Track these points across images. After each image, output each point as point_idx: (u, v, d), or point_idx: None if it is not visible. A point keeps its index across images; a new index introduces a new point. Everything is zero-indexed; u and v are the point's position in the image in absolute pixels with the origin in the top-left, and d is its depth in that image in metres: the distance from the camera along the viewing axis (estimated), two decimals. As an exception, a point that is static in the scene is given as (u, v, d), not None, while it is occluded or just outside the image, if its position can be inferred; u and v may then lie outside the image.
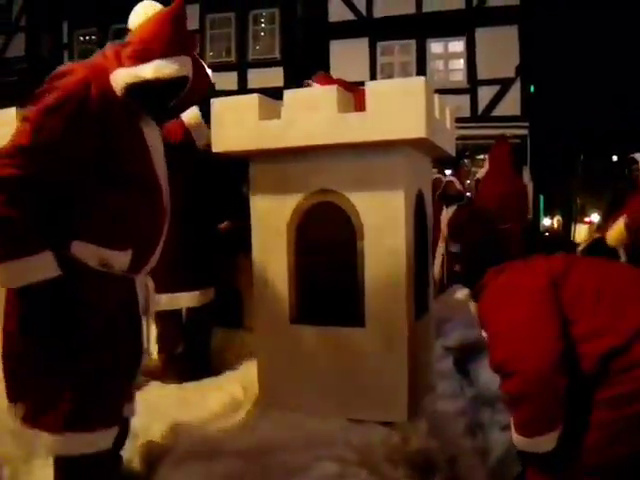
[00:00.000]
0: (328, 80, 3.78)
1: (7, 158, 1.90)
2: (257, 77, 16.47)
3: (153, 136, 2.26)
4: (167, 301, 3.26)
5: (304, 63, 16.41)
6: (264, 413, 2.90)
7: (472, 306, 2.66)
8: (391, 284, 2.80)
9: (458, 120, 3.27)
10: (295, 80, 16.10)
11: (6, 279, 1.96)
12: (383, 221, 2.79)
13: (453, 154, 3.41)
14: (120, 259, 2.11)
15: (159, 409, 3.07)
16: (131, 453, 2.76)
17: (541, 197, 16.03)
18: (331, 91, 2.78)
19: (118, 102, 2.07)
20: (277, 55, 17.12)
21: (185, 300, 3.39)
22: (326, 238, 2.92)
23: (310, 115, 2.76)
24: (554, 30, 15.59)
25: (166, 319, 3.35)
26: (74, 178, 1.99)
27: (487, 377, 3.43)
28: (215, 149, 2.99)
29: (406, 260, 2.80)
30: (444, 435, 2.96)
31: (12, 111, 3.55)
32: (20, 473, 2.77)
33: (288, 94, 2.86)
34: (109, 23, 18.78)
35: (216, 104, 2.98)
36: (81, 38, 19.68)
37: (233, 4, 16.75)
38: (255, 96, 2.90)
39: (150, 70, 2.08)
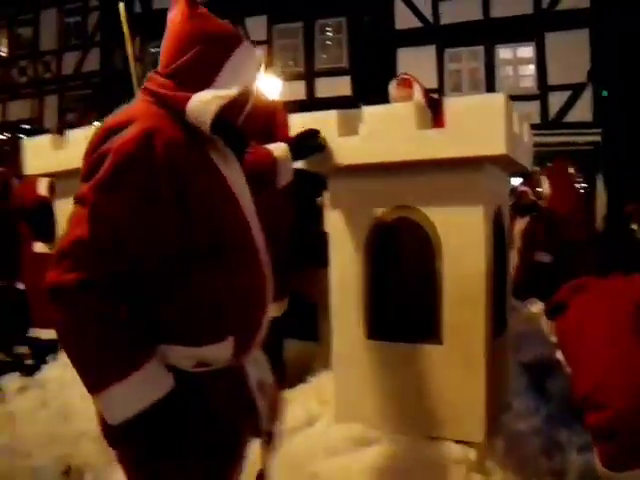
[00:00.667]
0: (408, 83, 3.88)
1: (66, 258, 1.46)
2: (325, 86, 16.63)
3: (237, 178, 1.76)
4: None
5: (372, 71, 16.48)
6: (340, 428, 2.95)
7: (545, 323, 2.63)
8: (470, 301, 2.79)
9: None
10: (363, 88, 16.31)
11: (113, 412, 1.50)
12: (462, 237, 2.79)
13: (530, 168, 3.39)
14: (219, 353, 1.64)
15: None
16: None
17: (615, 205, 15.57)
18: (410, 107, 2.81)
19: (192, 147, 1.58)
20: (345, 64, 17.22)
21: None
22: (404, 254, 2.94)
23: (389, 131, 2.79)
24: (626, 32, 15.14)
25: None
26: (152, 268, 1.54)
27: (564, 395, 3.39)
28: (296, 165, 3.06)
29: (485, 277, 2.79)
30: (520, 455, 2.95)
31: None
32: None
33: (367, 110, 2.89)
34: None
35: (295, 120, 3.03)
36: (152, 50, 20.19)
37: (300, 14, 16.96)
38: (334, 112, 2.94)
39: (232, 84, 1.63)
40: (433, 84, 16.35)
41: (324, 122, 2.92)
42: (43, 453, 3.12)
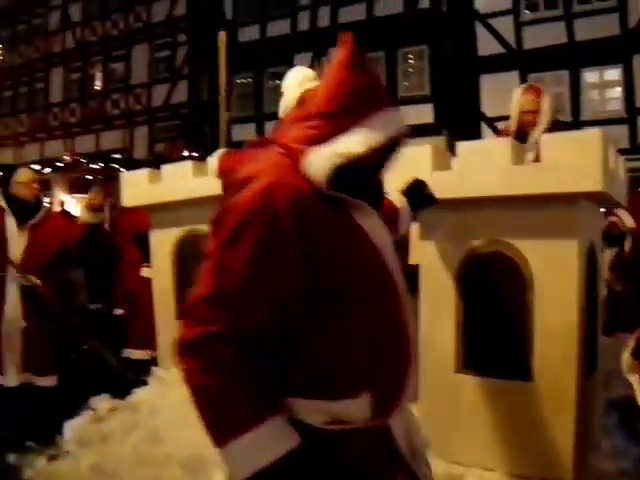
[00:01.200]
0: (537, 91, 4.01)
1: (193, 312, 1.47)
2: (408, 114, 16.56)
3: (376, 226, 1.67)
4: None
5: (454, 98, 16.44)
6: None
7: (626, 360, 2.56)
8: (562, 339, 2.76)
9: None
10: (445, 116, 16.28)
11: (234, 469, 1.44)
12: (555, 273, 2.77)
13: (624, 204, 3.33)
14: (354, 409, 1.50)
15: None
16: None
17: None
18: (505, 143, 2.83)
19: (320, 200, 1.52)
20: (427, 91, 17.23)
21: None
22: (495, 288, 2.94)
23: (484, 166, 2.82)
24: None
25: None
26: (280, 320, 1.48)
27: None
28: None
29: (578, 314, 2.76)
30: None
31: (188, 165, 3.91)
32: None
33: (462, 146, 2.94)
34: (264, 67, 19.79)
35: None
36: (238, 81, 20.78)
37: (382, 43, 17.11)
38: (428, 147, 2.99)
39: (358, 141, 1.55)
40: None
41: (418, 156, 2.97)
42: (131, 475, 3.25)
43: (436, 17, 16.70)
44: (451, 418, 3.01)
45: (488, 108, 16.38)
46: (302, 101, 3.48)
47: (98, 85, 23.48)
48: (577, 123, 14.14)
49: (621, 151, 3.15)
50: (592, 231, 3.10)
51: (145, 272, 5.49)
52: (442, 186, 2.88)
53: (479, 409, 2.94)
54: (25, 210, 4.46)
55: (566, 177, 2.64)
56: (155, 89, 21.68)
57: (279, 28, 19.48)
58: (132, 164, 18.81)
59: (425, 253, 3.12)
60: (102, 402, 4.21)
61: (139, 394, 4.14)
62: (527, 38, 16.01)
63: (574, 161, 2.61)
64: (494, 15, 16.36)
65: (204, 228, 3.88)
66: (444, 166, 2.99)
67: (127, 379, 4.60)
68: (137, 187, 4.19)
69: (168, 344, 4.14)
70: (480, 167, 2.83)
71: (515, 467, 2.81)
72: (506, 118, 15.77)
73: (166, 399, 3.84)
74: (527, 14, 16.15)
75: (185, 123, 20.40)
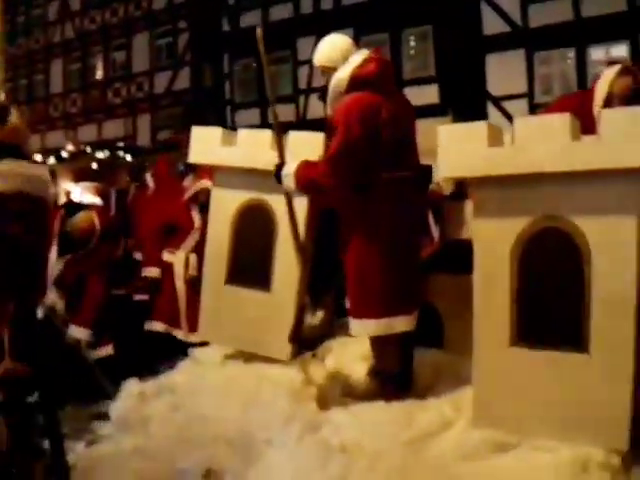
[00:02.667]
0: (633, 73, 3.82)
1: None
2: (413, 95, 16.30)
3: None
4: (384, 326, 3.42)
5: (460, 79, 16.35)
6: (478, 433, 2.95)
7: None
8: (619, 312, 2.75)
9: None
10: (451, 96, 16.21)
11: None
12: (613, 248, 2.77)
13: None
14: None
15: (369, 425, 3.21)
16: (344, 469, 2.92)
17: None
18: (564, 118, 2.81)
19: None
20: (432, 72, 17.15)
21: (402, 324, 3.46)
22: (551, 264, 2.93)
23: (542, 142, 2.81)
24: None
25: (385, 342, 3.49)
26: None
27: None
28: (443, 175, 3.14)
29: (636, 288, 2.74)
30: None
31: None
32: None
33: (517, 121, 2.94)
34: (267, 51, 19.65)
35: (442, 130, 3.12)
36: (241, 67, 20.69)
37: (386, 25, 17.01)
38: (484, 124, 3.00)
39: None
40: (523, 89, 16.10)
41: (474, 132, 3.01)
42: (181, 456, 3.24)
43: (440, -4, 16.57)
44: (506, 391, 3.00)
45: (494, 87, 16.31)
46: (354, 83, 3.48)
47: (99, 74, 23.38)
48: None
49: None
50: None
51: (167, 257, 5.51)
52: (498, 162, 2.94)
53: (534, 381, 2.93)
54: None
55: (627, 152, 2.63)
56: (157, 77, 21.61)
57: (281, 12, 19.34)
58: (137, 152, 18.88)
59: (479, 229, 3.12)
60: (135, 385, 4.18)
61: (174, 376, 4.13)
62: (533, 16, 15.86)
63: (634, 135, 2.60)
64: (499, -8, 16.25)
65: (267, 198, 3.95)
66: (499, 142, 2.99)
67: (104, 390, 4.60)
68: (207, 145, 4.14)
69: (212, 314, 4.15)
70: (538, 143, 2.83)
71: (570, 437, 2.81)
72: (512, 97, 15.78)
73: (204, 380, 3.83)
74: (533, -9, 16.01)
75: (188, 110, 20.30)
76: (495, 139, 2.99)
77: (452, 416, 3.19)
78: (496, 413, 3.00)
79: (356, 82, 3.44)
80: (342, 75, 3.49)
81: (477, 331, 3.09)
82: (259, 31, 3.61)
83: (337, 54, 3.58)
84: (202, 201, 5.41)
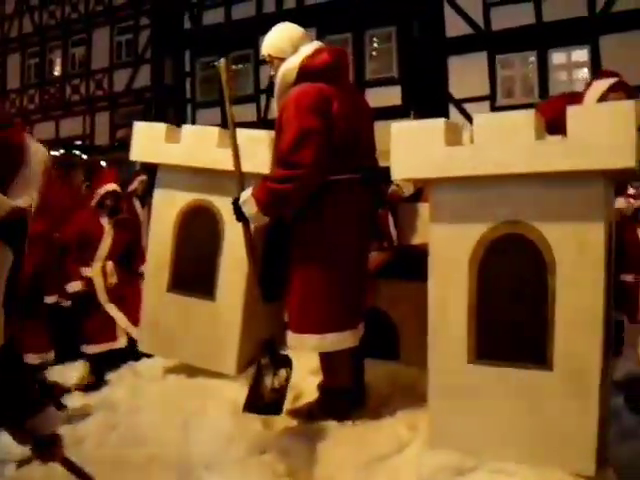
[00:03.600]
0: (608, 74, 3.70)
1: None
2: (375, 96, 16.38)
3: None
4: (330, 342, 3.18)
5: (422, 80, 16.29)
6: (434, 455, 2.75)
7: None
8: (585, 325, 2.57)
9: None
10: (413, 98, 16.14)
11: None
12: (579, 256, 2.58)
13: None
14: None
15: (318, 448, 2.99)
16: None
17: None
18: (528, 116, 2.61)
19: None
20: (395, 73, 17.05)
21: (349, 340, 3.22)
22: (512, 272, 2.72)
23: (504, 142, 2.61)
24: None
25: (335, 356, 3.26)
26: None
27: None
28: (396, 176, 2.90)
29: (603, 299, 2.57)
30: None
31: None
32: None
33: (479, 118, 2.73)
34: (229, 50, 19.43)
35: (395, 128, 2.88)
36: (202, 65, 20.40)
37: (349, 25, 16.87)
38: (441, 121, 2.78)
39: None
40: (485, 91, 16.12)
41: (430, 130, 2.79)
42: (112, 477, 2.99)
43: (403, -2, 16.49)
44: (465, 409, 2.80)
45: (456, 89, 16.31)
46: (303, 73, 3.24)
47: (57, 70, 22.82)
48: (546, 104, 14.10)
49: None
50: (609, 210, 2.90)
51: (85, 272, 5.14)
52: (456, 162, 2.71)
53: (494, 400, 2.73)
54: None
55: (595, 153, 2.44)
56: (117, 74, 21.11)
57: (244, 11, 19.11)
58: (94, 151, 18.45)
59: (435, 234, 2.89)
60: (73, 401, 3.93)
61: (112, 391, 3.86)
62: (495, 19, 15.90)
63: (604, 135, 2.41)
64: (462, -5, 16.24)
65: (213, 199, 3.70)
66: (457, 141, 2.78)
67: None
68: (150, 142, 3.88)
69: (153, 324, 3.88)
70: (500, 142, 2.62)
71: (532, 460, 2.62)
72: (474, 100, 15.83)
73: (144, 396, 3.58)
74: (495, -6, 16.05)
75: (148, 108, 19.91)
76: (453, 138, 2.78)
77: (407, 436, 2.99)
78: (453, 434, 2.79)
79: (306, 73, 3.19)
80: (291, 65, 3.24)
81: (432, 346, 2.87)
82: (222, 61, 3.33)
83: (286, 43, 3.33)
84: (110, 205, 5.24)
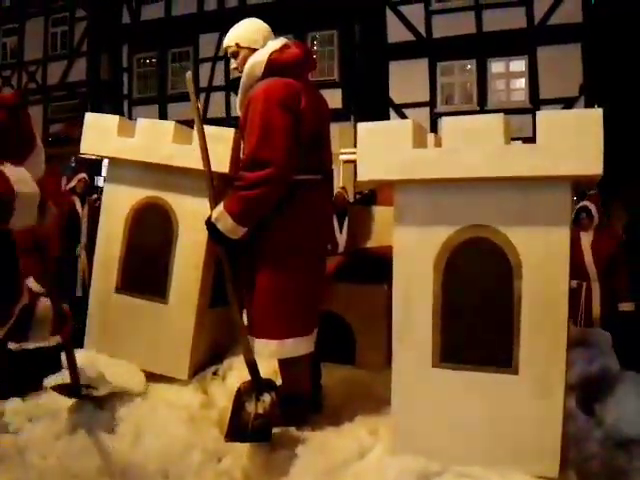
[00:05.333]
0: None
1: None
2: (317, 98, 16.52)
3: None
4: (289, 348, 3.09)
5: (363, 85, 16.37)
6: (398, 461, 2.70)
7: None
8: (550, 328, 2.57)
9: (520, 141, 3.07)
10: (354, 101, 16.19)
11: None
12: (545, 260, 2.58)
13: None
14: None
15: (278, 454, 2.90)
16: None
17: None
18: (498, 120, 2.60)
19: None
20: (336, 77, 17.08)
21: (306, 345, 3.13)
22: (478, 276, 2.70)
23: (473, 145, 2.59)
24: (619, 46, 15.23)
25: (295, 362, 3.16)
26: None
27: (616, 417, 3.19)
28: (362, 177, 2.83)
29: (566, 302, 2.58)
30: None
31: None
32: None
33: (448, 122, 2.69)
34: (168, 47, 19.09)
35: (362, 129, 2.82)
36: (140, 61, 20.01)
37: (291, 26, 16.79)
38: (409, 122, 2.74)
39: None
40: (425, 97, 16.36)
41: (398, 132, 2.74)
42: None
43: (346, 1, 16.52)
44: (429, 414, 2.76)
45: (396, 94, 16.51)
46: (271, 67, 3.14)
47: (-13, 61, 22.00)
48: (483, 112, 14.38)
49: (525, 140, 3.03)
50: (570, 217, 2.93)
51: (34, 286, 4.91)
52: (424, 165, 2.67)
53: (459, 404, 2.71)
54: None
55: (563, 159, 2.45)
56: (50, 66, 20.51)
57: (184, 7, 18.88)
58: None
59: (400, 237, 2.84)
60: (12, 408, 3.69)
61: (56, 397, 3.65)
62: (437, 26, 16.20)
63: (572, 143, 2.43)
64: (405, 2, 16.43)
65: (166, 196, 3.57)
66: (423, 143, 2.75)
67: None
68: (102, 135, 3.69)
69: (99, 326, 3.71)
70: (468, 146, 2.60)
71: (497, 463, 2.60)
72: (414, 105, 16.08)
73: (92, 402, 3.39)
74: (437, 3, 16.28)
75: (83, 103, 19.36)
76: (420, 140, 2.75)
77: (368, 441, 2.91)
78: (418, 439, 2.75)
79: (274, 67, 3.10)
80: (259, 59, 3.13)
81: (396, 350, 2.82)
82: (189, 74, 3.20)
83: (257, 35, 3.23)
84: None
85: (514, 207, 2.63)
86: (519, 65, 15.99)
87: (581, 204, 6.85)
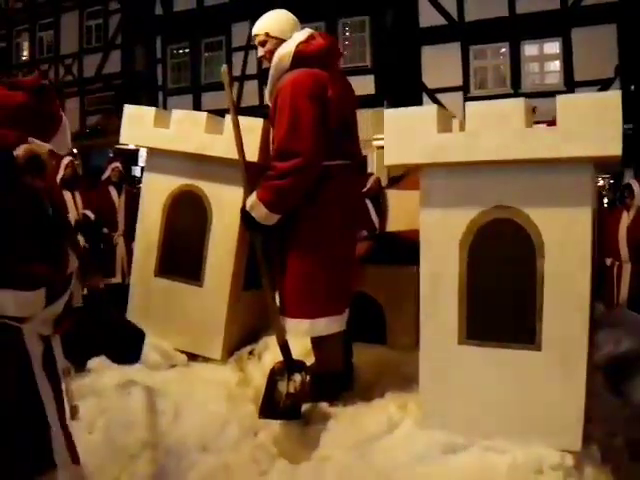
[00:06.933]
0: None
1: None
2: (349, 85, 16.52)
3: None
4: (321, 327, 3.22)
5: (396, 70, 16.34)
6: (426, 434, 2.81)
7: None
8: (573, 305, 2.65)
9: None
10: (387, 87, 16.16)
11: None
12: (567, 239, 2.65)
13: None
14: None
15: (311, 429, 3.04)
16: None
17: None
18: (518, 104, 2.68)
19: None
20: (368, 63, 17.08)
21: (337, 324, 3.26)
22: (502, 256, 2.79)
23: (495, 129, 2.67)
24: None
25: (328, 341, 3.29)
26: None
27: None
28: (388, 161, 2.93)
29: (590, 282, 2.65)
30: (611, 460, 2.80)
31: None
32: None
33: (471, 106, 2.78)
34: (201, 37, 19.26)
35: (388, 115, 2.93)
36: (174, 52, 20.22)
37: (322, 14, 16.83)
38: (434, 108, 2.84)
39: None
40: (458, 82, 16.26)
41: (423, 117, 2.84)
42: (104, 464, 2.98)
43: (377, -13, 16.50)
44: (455, 389, 2.86)
45: (429, 79, 16.43)
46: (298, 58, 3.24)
47: (25, 55, 22.42)
48: (517, 95, 14.25)
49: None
50: (595, 197, 2.99)
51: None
52: (448, 149, 2.76)
53: (484, 380, 2.80)
54: None
55: (584, 141, 2.51)
56: (86, 59, 20.88)
57: (216, -2, 18.95)
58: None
59: (426, 219, 2.94)
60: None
61: (101, 376, 3.83)
62: (469, 10, 16.05)
63: (593, 125, 2.49)
64: (436, -14, 16.30)
65: (201, 185, 3.71)
66: (448, 128, 2.83)
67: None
68: (140, 126, 3.85)
69: (141, 309, 3.87)
70: (491, 129, 2.68)
71: (522, 437, 2.69)
72: (447, 90, 16.01)
73: (133, 381, 3.55)
74: (469, -14, 16.14)
75: (119, 95, 19.66)
76: (444, 124, 2.83)
77: (398, 416, 3.02)
78: (445, 413, 2.86)
79: (301, 58, 3.21)
80: (286, 50, 3.24)
81: (424, 328, 2.92)
82: (224, 67, 3.35)
83: (287, 27, 3.34)
84: None
85: (536, 188, 2.70)
86: (553, 47, 15.77)
87: (625, 182, 6.80)
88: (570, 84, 15.19)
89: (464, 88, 16.28)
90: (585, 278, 2.65)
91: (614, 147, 2.48)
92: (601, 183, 13.31)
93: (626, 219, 6.44)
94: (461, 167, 2.81)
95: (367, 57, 17.23)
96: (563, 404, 2.67)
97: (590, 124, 2.50)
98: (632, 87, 14.83)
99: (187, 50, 19.88)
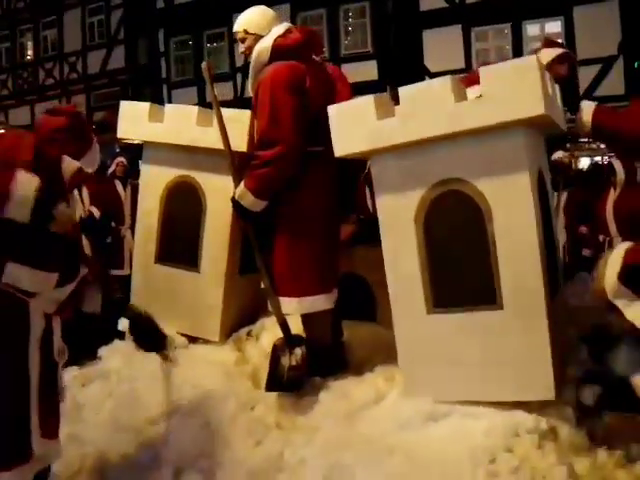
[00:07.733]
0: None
1: None
2: (351, 71, 16.33)
3: None
4: (308, 305, 3.40)
5: (397, 55, 16.38)
6: (409, 403, 2.98)
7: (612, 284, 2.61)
8: (526, 263, 2.80)
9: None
10: (389, 72, 16.20)
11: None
12: (511, 202, 2.81)
13: (565, 129, 3.36)
14: None
15: (304, 402, 3.22)
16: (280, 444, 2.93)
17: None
18: (445, 81, 2.83)
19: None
20: (370, 48, 17.14)
21: (325, 302, 3.45)
22: (455, 226, 2.96)
23: (427, 107, 2.83)
24: (657, 2, 14.84)
25: (317, 318, 3.47)
26: None
27: (624, 367, 3.37)
28: (338, 153, 3.11)
29: (537, 239, 2.80)
30: (590, 421, 2.94)
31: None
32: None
33: (403, 90, 2.93)
34: (203, 28, 19.34)
35: (332, 110, 3.10)
36: (177, 45, 20.30)
37: (323, 1, 16.90)
38: (371, 97, 2.99)
39: None
40: (460, 64, 16.21)
41: (361, 107, 3.01)
42: (111, 441, 3.17)
43: (376, -28, 16.52)
44: (429, 357, 3.03)
45: (431, 63, 16.40)
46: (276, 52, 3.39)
47: (29, 54, 22.61)
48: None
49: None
50: (539, 159, 3.16)
51: None
52: (387, 133, 2.95)
53: (455, 345, 2.97)
54: None
55: (508, 106, 2.67)
56: (90, 56, 20.99)
57: (217, -12, 19.01)
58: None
59: (381, 202, 3.12)
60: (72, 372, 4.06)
61: (109, 361, 4.01)
62: (469, -9, 16.00)
63: (514, 89, 2.65)
64: (435, -32, 16.29)
65: (195, 175, 3.89)
66: (389, 114, 2.99)
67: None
68: (135, 121, 4.04)
69: (142, 294, 4.06)
70: (424, 109, 2.85)
71: (498, 394, 2.87)
72: (450, 73, 15.91)
73: (139, 364, 3.74)
74: (468, -33, 16.12)
75: (125, 89, 19.84)
76: (385, 111, 2.98)
77: (385, 388, 3.20)
78: (423, 382, 3.03)
79: (279, 51, 3.37)
80: (264, 44, 3.40)
81: (395, 304, 3.11)
82: (204, 63, 3.51)
83: (265, 23, 3.50)
84: None
85: (476, 158, 2.87)
86: (555, 26, 15.65)
87: (607, 161, 6.96)
88: (573, 62, 15.14)
89: (467, 71, 16.26)
90: (532, 233, 2.80)
91: (536, 107, 2.63)
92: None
93: (612, 196, 6.60)
94: (404, 149, 2.98)
95: (369, 43, 17.26)
96: (530, 356, 2.82)
97: (511, 89, 2.65)
98: (636, 64, 14.81)
99: (190, 42, 19.98)
